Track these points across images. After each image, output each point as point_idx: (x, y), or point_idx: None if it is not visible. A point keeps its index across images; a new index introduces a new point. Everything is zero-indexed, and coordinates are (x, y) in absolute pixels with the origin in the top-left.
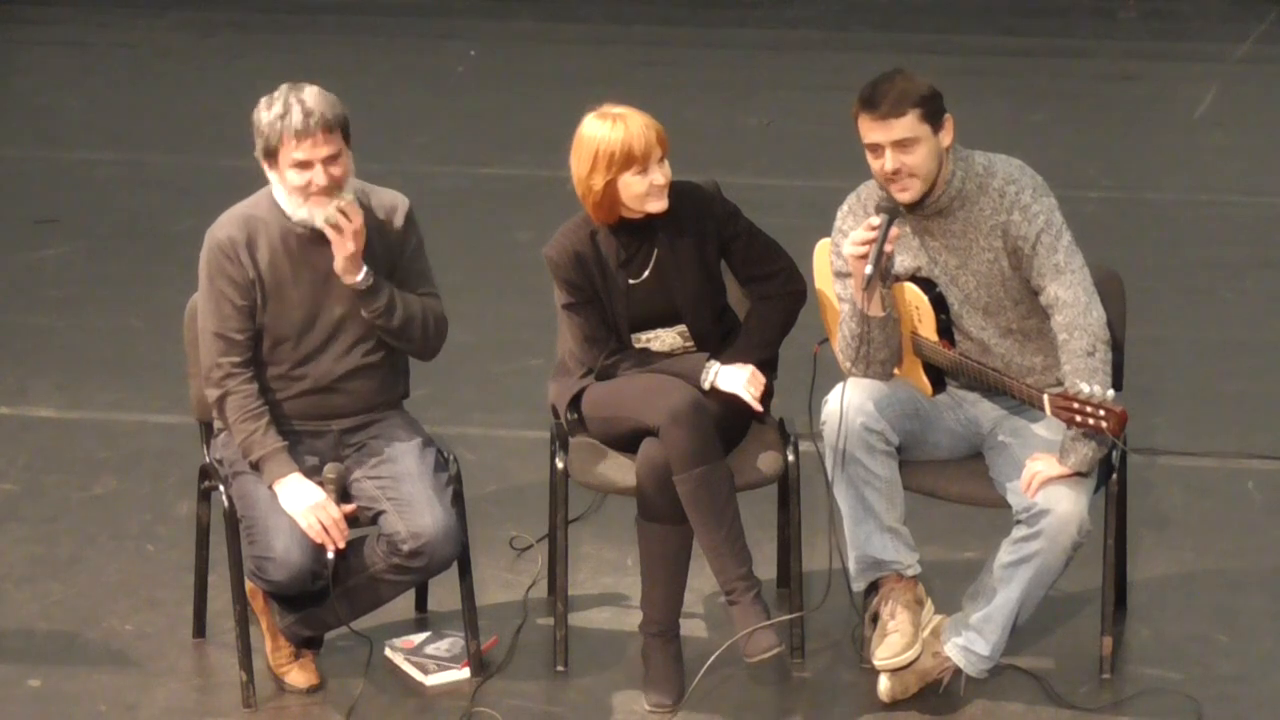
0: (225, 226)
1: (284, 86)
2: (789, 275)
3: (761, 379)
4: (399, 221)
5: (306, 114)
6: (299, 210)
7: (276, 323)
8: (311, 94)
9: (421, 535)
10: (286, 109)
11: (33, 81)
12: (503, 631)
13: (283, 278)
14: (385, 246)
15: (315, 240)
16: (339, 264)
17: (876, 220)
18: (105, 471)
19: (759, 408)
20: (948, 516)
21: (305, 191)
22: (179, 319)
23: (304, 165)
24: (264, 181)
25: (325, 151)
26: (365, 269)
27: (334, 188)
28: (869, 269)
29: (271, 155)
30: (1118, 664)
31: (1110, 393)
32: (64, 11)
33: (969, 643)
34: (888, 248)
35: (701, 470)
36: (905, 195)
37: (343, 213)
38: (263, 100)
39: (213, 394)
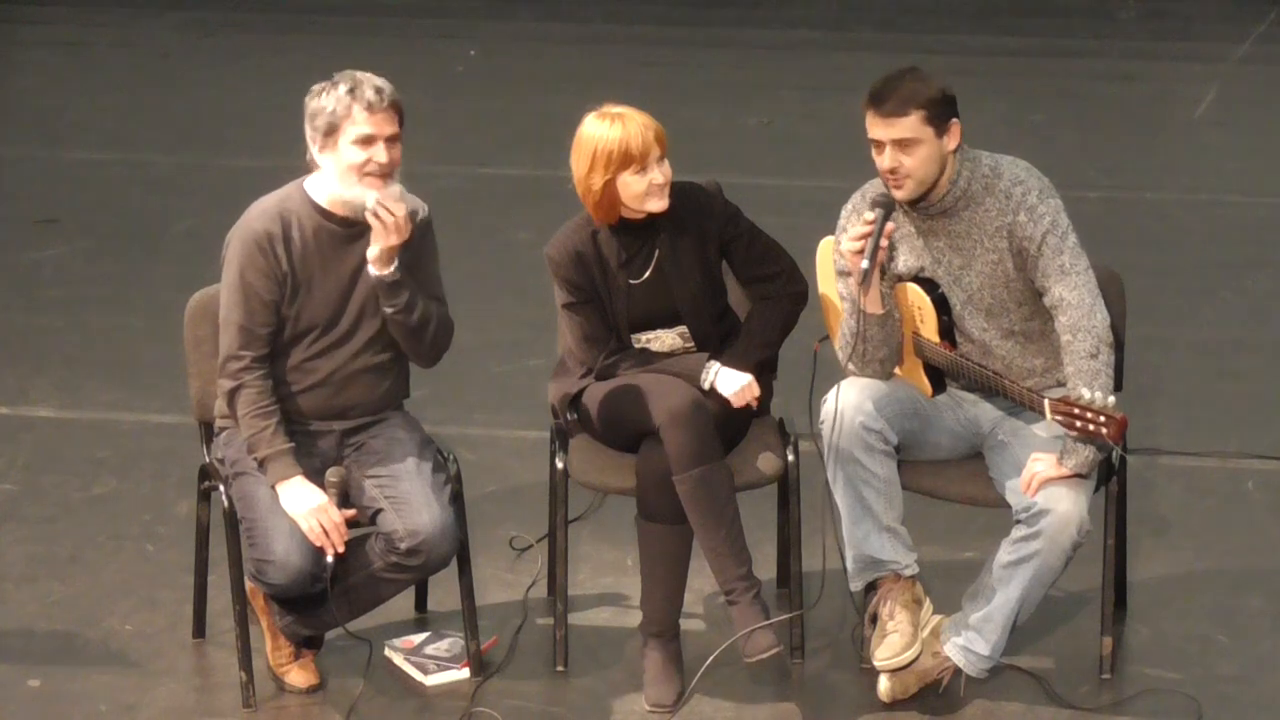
0: (260, 219)
1: (342, 73)
2: (790, 276)
3: (756, 390)
4: (417, 226)
5: (378, 90)
6: (350, 190)
7: (301, 316)
8: (377, 77)
9: (419, 533)
10: (356, 84)
11: (33, 81)
12: (502, 631)
13: (312, 272)
14: (404, 247)
15: (346, 236)
16: (376, 253)
17: (870, 215)
18: (105, 471)
19: (750, 403)
20: (948, 516)
21: (362, 170)
22: (179, 319)
23: (368, 141)
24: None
25: (390, 130)
26: (396, 262)
27: (389, 171)
28: (864, 264)
29: (332, 132)
30: (1118, 664)
31: (1111, 398)
32: (64, 11)
33: (969, 642)
34: (883, 242)
35: (701, 470)
36: (900, 193)
37: (384, 206)
38: (316, 87)
39: (226, 385)
